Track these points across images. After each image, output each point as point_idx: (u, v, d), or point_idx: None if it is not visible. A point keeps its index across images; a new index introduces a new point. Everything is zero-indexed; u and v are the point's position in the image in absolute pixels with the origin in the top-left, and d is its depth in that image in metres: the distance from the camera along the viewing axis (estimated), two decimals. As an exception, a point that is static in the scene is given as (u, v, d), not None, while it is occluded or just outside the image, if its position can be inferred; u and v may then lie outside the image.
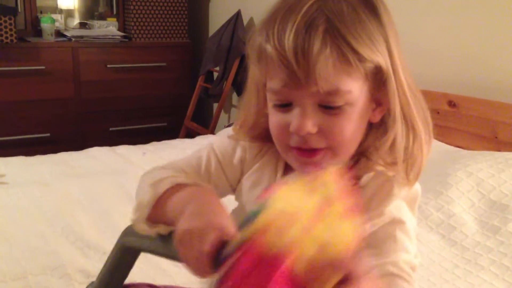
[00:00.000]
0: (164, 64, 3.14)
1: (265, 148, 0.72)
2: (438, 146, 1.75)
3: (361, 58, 0.58)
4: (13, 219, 1.33)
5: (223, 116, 3.16)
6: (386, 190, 0.65)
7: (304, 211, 0.47)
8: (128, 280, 0.92)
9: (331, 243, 0.46)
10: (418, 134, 0.65)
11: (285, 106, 0.62)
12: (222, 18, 3.00)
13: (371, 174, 0.67)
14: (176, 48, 3.20)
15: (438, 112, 1.91)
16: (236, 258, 0.46)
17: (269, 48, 0.59)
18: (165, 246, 0.60)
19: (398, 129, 0.63)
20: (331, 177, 0.50)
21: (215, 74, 3.05)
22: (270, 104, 0.65)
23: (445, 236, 1.31)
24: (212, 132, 2.91)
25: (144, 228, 0.65)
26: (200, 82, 3.07)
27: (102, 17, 3.22)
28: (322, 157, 0.62)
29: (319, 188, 0.49)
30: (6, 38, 2.69)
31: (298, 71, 0.57)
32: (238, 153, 0.74)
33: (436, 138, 1.86)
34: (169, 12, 3.17)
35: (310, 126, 0.60)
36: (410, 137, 0.64)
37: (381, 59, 0.60)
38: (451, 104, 1.89)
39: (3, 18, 2.67)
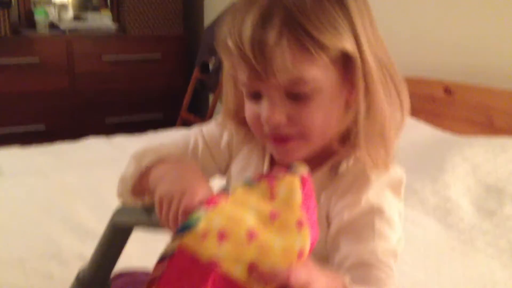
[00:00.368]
0: (159, 55, 3.13)
1: (251, 133, 0.73)
2: (434, 133, 1.76)
3: (322, 46, 0.58)
4: (10, 209, 1.32)
5: (219, 107, 3.16)
6: (364, 177, 0.64)
7: (249, 219, 0.47)
8: (125, 267, 0.93)
9: (272, 252, 0.45)
10: (382, 116, 0.63)
11: (255, 96, 0.63)
12: (218, 8, 2.99)
13: (351, 160, 0.66)
14: (171, 40, 3.19)
15: (434, 99, 1.92)
16: (166, 265, 0.46)
17: (229, 43, 0.60)
18: (150, 216, 0.61)
19: (360, 111, 0.62)
20: (291, 185, 0.50)
21: (211, 65, 3.04)
22: (244, 94, 0.65)
23: (441, 220, 1.31)
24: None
25: (128, 201, 0.67)
26: (195, 73, 3.06)
27: (96, 9, 3.19)
28: (295, 144, 0.63)
29: (275, 196, 0.50)
30: (0, 31, 2.67)
31: (256, 65, 0.58)
32: (225, 138, 0.75)
33: (432, 125, 1.87)
34: (164, 3, 3.15)
35: (279, 117, 0.61)
36: (376, 118, 0.63)
37: (347, 44, 0.60)
38: (447, 91, 1.89)
39: (-4, 11, 2.65)
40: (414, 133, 1.75)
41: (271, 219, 0.48)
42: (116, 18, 3.16)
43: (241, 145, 0.75)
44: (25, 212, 1.30)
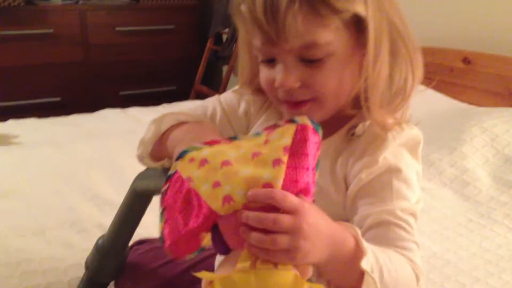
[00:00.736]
0: (172, 26, 3.10)
1: (268, 101, 0.74)
2: (452, 103, 1.73)
3: (334, 10, 0.58)
4: (29, 178, 1.34)
5: (233, 79, 3.14)
6: (381, 138, 0.64)
7: (231, 154, 0.52)
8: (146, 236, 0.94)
9: (235, 177, 0.50)
10: (381, 80, 0.63)
11: (270, 61, 0.63)
12: (231, -22, 2.93)
13: (367, 122, 0.66)
14: (184, 10, 3.16)
15: (453, 70, 1.88)
16: (167, 186, 0.54)
17: (243, 8, 0.61)
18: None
19: (368, 75, 0.62)
20: (282, 131, 0.53)
21: (224, 37, 3.01)
22: (259, 59, 0.65)
23: (458, 191, 1.31)
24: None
25: (148, 164, 0.68)
26: (209, 44, 3.04)
27: (109, -21, 3.16)
28: (309, 108, 0.63)
29: (268, 141, 0.53)
30: (14, 1, 2.66)
31: (269, 29, 0.58)
32: (243, 105, 0.76)
33: (450, 96, 1.84)
34: (177, -27, 3.10)
35: (292, 81, 0.61)
36: (377, 83, 0.63)
37: (359, 7, 0.59)
38: (466, 61, 1.85)
39: (9, -19, 2.63)
40: (432, 103, 1.72)
41: (253, 157, 0.51)
42: (129, -12, 3.13)
43: (258, 113, 0.75)
44: (43, 182, 1.32)
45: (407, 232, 0.60)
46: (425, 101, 1.75)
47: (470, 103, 1.76)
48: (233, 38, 2.86)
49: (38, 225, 1.10)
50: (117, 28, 2.94)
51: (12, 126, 1.75)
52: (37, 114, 2.30)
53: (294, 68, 0.61)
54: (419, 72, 0.66)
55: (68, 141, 1.61)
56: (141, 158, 0.73)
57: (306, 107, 0.63)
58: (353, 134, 0.66)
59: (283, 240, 0.47)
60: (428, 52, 1.96)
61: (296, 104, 0.64)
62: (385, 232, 0.60)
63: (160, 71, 3.15)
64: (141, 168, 1.43)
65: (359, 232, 0.54)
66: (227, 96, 0.78)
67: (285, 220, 0.47)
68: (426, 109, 1.69)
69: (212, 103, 0.77)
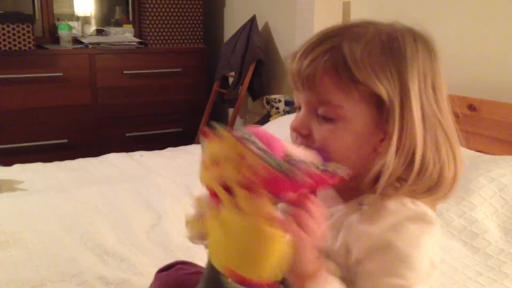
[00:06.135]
0: (179, 69, 3.15)
1: None
2: (459, 151, 1.72)
3: (353, 78, 0.61)
4: (32, 226, 1.33)
5: (239, 121, 3.16)
6: (383, 208, 0.63)
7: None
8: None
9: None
10: (416, 167, 0.63)
11: (299, 109, 0.68)
12: (237, 23, 3.00)
13: (375, 195, 0.65)
14: (192, 54, 3.21)
15: (458, 116, 1.87)
16: None
17: (288, 61, 0.68)
18: None
19: (388, 159, 0.62)
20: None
21: (231, 79, 3.04)
22: None
23: (467, 243, 1.28)
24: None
25: (199, 243, 0.70)
26: (215, 87, 3.08)
27: (118, 24, 3.24)
28: None
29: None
30: (24, 45, 2.72)
31: (297, 79, 0.65)
32: None
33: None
34: (185, 18, 3.18)
35: (301, 126, 0.65)
36: (410, 168, 0.63)
37: (382, 88, 0.61)
38: (471, 107, 1.85)
39: (21, 26, 2.70)
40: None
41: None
42: (138, 32, 3.20)
43: None
44: (47, 230, 1.31)
45: None
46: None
47: (477, 150, 1.75)
48: (239, 81, 2.90)
49: (38, 277, 1.08)
50: (125, 71, 2.99)
51: (17, 171, 1.75)
52: (44, 155, 2.32)
53: (308, 117, 0.65)
54: (460, 162, 0.66)
55: (73, 187, 1.60)
56: (191, 240, 0.72)
57: None
58: (361, 204, 0.66)
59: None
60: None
61: None
62: None
63: (167, 113, 3.18)
64: (142, 218, 1.41)
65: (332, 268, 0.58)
66: None
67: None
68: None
69: None
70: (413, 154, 0.63)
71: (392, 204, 0.62)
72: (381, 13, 1.77)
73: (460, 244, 1.27)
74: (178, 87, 3.18)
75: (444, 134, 0.65)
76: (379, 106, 0.62)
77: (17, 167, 1.81)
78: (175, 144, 2.28)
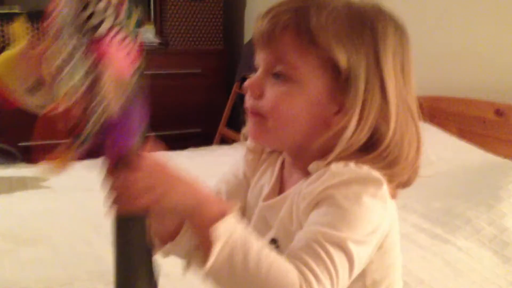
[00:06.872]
0: (199, 70, 3.15)
1: (263, 155, 0.76)
2: (487, 157, 1.69)
3: (312, 40, 0.60)
4: (58, 224, 1.34)
5: (257, 123, 3.15)
6: (326, 169, 0.61)
7: None
8: None
9: None
10: (382, 144, 0.62)
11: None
12: (258, 24, 2.99)
13: (322, 162, 0.63)
14: (212, 55, 3.22)
15: (484, 121, 1.85)
16: None
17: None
18: None
19: (347, 133, 0.60)
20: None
21: (251, 81, 3.04)
22: None
23: (498, 252, 1.25)
24: (246, 138, 2.90)
25: None
26: (235, 88, 3.07)
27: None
28: (255, 122, 0.65)
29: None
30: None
31: (259, 32, 0.64)
32: (241, 169, 0.78)
33: (482, 148, 1.80)
34: (205, 19, 3.18)
35: (254, 85, 0.64)
36: (371, 142, 0.62)
37: (342, 57, 0.60)
38: (498, 112, 1.82)
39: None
40: (465, 156, 1.69)
41: None
42: (159, 32, 3.21)
43: (254, 170, 0.76)
44: (73, 228, 1.31)
45: (317, 259, 0.54)
46: (459, 154, 1.72)
47: (504, 156, 1.72)
48: (259, 83, 2.89)
49: (66, 276, 1.08)
50: (145, 71, 3.00)
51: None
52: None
53: (263, 77, 0.64)
54: (421, 147, 0.65)
55: (98, 185, 1.60)
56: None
57: (254, 119, 0.65)
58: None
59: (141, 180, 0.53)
60: (459, 103, 1.95)
61: (250, 113, 0.65)
62: (292, 246, 0.57)
63: (186, 114, 3.18)
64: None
65: (233, 208, 0.55)
66: (232, 168, 0.79)
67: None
68: (459, 162, 1.67)
69: (220, 183, 0.78)
70: (376, 129, 0.61)
71: (335, 167, 0.60)
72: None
73: (491, 253, 1.25)
74: (198, 88, 3.18)
75: (409, 114, 0.64)
76: (337, 77, 0.61)
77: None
78: (194, 145, 2.28)
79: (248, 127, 0.67)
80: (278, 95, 0.62)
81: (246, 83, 0.65)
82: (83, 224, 1.33)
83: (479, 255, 1.23)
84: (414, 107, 0.65)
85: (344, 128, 0.61)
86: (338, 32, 0.60)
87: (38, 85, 0.56)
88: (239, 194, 0.76)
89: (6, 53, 0.59)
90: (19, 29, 0.58)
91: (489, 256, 1.24)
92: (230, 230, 0.53)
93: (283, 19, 0.62)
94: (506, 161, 1.66)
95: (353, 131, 0.60)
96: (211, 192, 0.59)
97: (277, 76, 0.63)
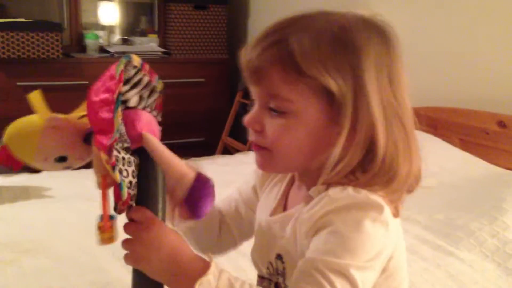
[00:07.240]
0: (203, 79, 3.17)
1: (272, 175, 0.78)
2: (490, 168, 1.69)
3: (301, 72, 0.60)
4: (60, 234, 1.34)
5: (260, 132, 3.15)
6: (325, 194, 0.61)
7: None
8: None
9: None
10: (378, 158, 0.62)
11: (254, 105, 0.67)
12: (262, 34, 3.01)
13: (320, 186, 0.64)
14: (215, 64, 3.23)
15: (487, 133, 1.85)
16: None
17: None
18: None
19: (336, 151, 0.62)
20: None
21: (254, 90, 3.05)
22: None
23: (501, 264, 1.24)
24: (249, 148, 2.90)
25: None
26: (238, 97, 3.08)
27: (143, 34, 3.27)
28: (262, 156, 0.66)
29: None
30: (53, 54, 2.76)
31: (249, 72, 0.65)
32: (252, 183, 0.82)
33: (485, 159, 1.80)
34: (209, 28, 3.20)
35: (253, 122, 0.65)
36: (369, 159, 0.62)
37: (331, 82, 0.60)
38: (501, 124, 1.82)
39: (50, 34, 2.75)
40: (468, 167, 1.69)
41: None
42: (163, 42, 3.23)
43: (263, 185, 0.79)
44: (75, 238, 1.31)
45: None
46: (461, 165, 1.72)
47: (507, 167, 1.71)
48: (262, 92, 2.90)
49: (68, 286, 1.08)
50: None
51: (45, 178, 1.77)
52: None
53: (260, 112, 0.64)
54: (417, 158, 0.64)
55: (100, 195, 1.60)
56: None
57: (260, 153, 0.66)
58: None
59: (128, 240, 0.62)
60: (461, 115, 1.95)
61: (255, 147, 0.67)
62: (294, 276, 0.57)
63: (190, 123, 3.19)
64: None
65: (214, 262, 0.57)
66: (244, 182, 0.83)
67: (131, 226, 0.62)
68: (462, 173, 1.66)
69: (233, 196, 0.84)
70: (372, 145, 0.61)
71: (333, 192, 0.61)
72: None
73: (494, 265, 1.24)
74: (201, 97, 3.19)
75: (401, 126, 0.63)
76: (331, 100, 0.61)
77: (44, 174, 1.82)
78: (197, 154, 2.28)
79: (255, 159, 0.69)
80: (277, 129, 0.63)
81: (246, 119, 0.66)
82: (86, 234, 1.32)
83: (482, 267, 1.23)
84: (406, 118, 0.64)
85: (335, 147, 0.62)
86: (321, 58, 0.60)
87: (63, 158, 0.63)
88: (252, 206, 0.81)
89: (22, 123, 0.63)
90: (37, 101, 0.62)
91: (492, 269, 1.23)
92: (213, 285, 0.55)
93: (268, 55, 0.62)
94: (509, 172, 1.65)
95: (340, 148, 0.61)
96: (190, 250, 0.60)
97: (274, 110, 0.63)
